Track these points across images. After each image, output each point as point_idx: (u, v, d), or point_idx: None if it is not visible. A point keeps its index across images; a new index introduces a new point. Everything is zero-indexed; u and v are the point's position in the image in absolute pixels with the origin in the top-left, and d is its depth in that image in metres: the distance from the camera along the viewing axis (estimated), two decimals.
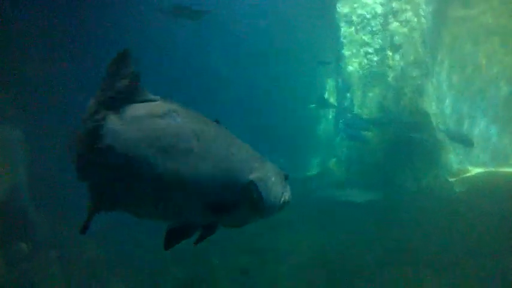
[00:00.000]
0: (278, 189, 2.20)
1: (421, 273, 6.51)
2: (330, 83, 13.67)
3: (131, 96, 1.94)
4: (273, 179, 2.17)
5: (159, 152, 1.87)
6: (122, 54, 1.95)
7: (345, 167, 12.08)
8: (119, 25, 9.45)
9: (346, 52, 12.27)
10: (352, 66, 12.25)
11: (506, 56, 12.92)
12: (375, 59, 11.94)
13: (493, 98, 12.49)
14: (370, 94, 11.86)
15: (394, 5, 11.63)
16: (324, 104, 12.04)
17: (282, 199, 2.22)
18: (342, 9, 12.24)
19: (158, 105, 1.97)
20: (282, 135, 12.36)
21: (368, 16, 11.94)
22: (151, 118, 1.91)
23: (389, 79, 11.66)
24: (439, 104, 12.19)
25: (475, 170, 12.32)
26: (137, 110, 1.93)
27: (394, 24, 11.62)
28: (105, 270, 7.16)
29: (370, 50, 11.96)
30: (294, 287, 6.76)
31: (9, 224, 6.38)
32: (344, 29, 12.25)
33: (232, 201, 2.01)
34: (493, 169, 12.10)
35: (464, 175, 11.90)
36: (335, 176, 12.01)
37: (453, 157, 11.94)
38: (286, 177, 2.29)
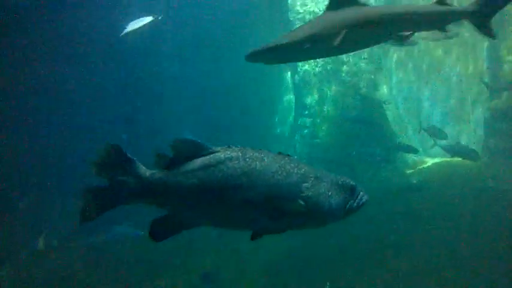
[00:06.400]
0: (336, 201, 2.54)
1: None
2: (288, 80, 13.64)
3: (195, 153, 2.56)
4: (328, 193, 2.53)
5: (212, 191, 2.49)
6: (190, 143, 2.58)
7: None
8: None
9: None
10: (308, 64, 12.26)
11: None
12: None
13: (443, 91, 12.76)
14: (327, 90, 11.89)
15: None
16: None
17: (347, 206, 2.59)
18: (294, 5, 12.25)
19: (215, 156, 2.55)
20: (240, 133, 12.21)
21: (320, 13, 11.95)
22: (206, 168, 2.51)
23: (344, 75, 11.75)
24: (391, 96, 12.35)
25: (432, 161, 12.54)
26: (195, 163, 2.55)
27: None
28: None
29: None
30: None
31: None
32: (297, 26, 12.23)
33: (285, 213, 2.49)
34: (448, 159, 12.30)
35: (421, 166, 12.09)
36: None
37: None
38: (352, 187, 2.63)
